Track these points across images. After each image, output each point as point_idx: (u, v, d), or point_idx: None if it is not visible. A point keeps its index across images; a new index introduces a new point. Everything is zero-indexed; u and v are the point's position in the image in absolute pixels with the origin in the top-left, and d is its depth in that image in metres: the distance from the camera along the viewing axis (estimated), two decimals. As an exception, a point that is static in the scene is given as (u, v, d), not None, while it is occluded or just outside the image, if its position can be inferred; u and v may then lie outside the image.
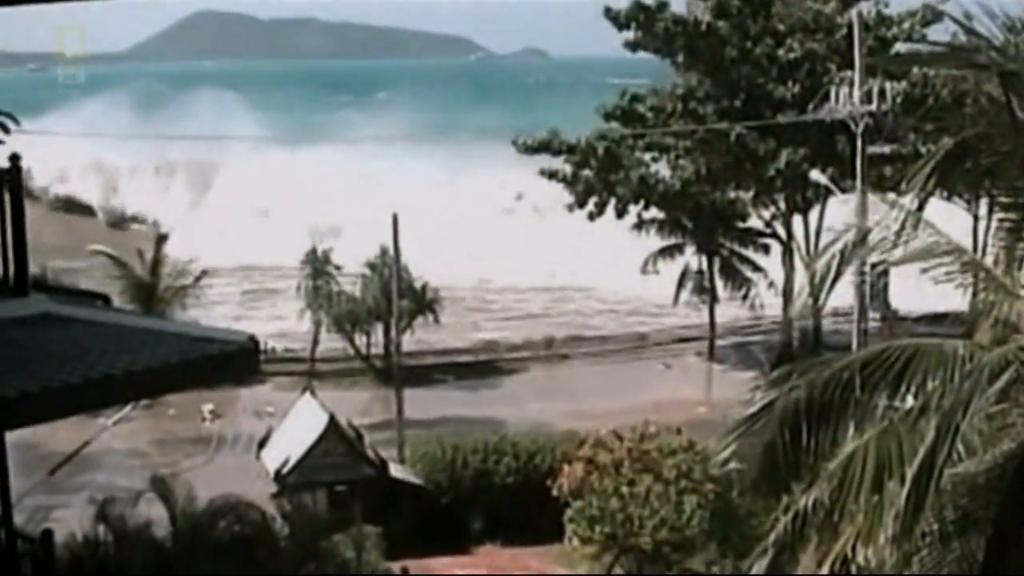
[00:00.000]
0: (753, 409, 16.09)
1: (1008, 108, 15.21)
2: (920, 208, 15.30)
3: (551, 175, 59.74)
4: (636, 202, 60.05)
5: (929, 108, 48.83)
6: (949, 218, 16.89)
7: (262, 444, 38.64)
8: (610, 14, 57.34)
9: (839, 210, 38.15)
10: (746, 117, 56.51)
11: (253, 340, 14.35)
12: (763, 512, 17.39)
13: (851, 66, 47.11)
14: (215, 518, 22.98)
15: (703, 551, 32.71)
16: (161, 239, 60.14)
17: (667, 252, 61.67)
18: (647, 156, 60.39)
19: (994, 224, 16.60)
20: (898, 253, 16.13)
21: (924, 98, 51.04)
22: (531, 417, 48.23)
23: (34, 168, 61.35)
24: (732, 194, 60.75)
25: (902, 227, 14.98)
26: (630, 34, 57.56)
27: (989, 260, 16.86)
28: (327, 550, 25.40)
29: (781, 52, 57.04)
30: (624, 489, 33.13)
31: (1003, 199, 16.04)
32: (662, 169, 59.86)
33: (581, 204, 59.95)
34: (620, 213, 59.98)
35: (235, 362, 14.30)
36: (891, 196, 16.66)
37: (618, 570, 33.27)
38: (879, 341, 20.11)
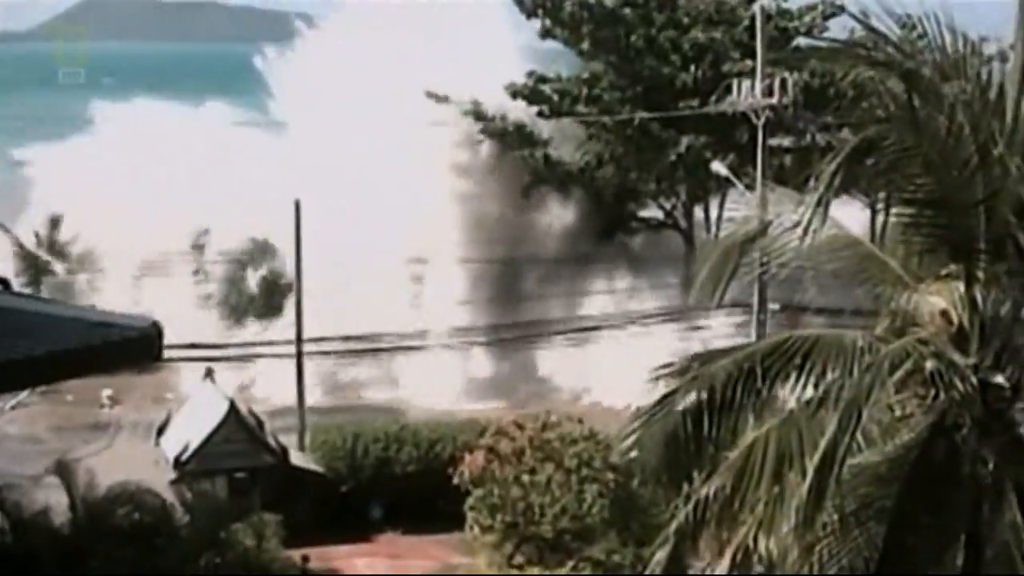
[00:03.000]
0: (655, 398, 16.18)
1: (909, 105, 15.40)
2: (820, 202, 15.42)
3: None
4: (537, 184, 60.11)
5: (830, 100, 49.35)
6: (843, 212, 16.98)
7: (161, 431, 38.39)
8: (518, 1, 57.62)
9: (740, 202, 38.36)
10: (648, 105, 56.83)
11: (155, 326, 14.22)
12: (664, 502, 17.48)
13: (753, 57, 47.50)
14: (114, 505, 22.80)
15: (603, 540, 32.86)
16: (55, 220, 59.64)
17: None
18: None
19: (892, 219, 16.79)
20: (795, 245, 16.25)
21: (825, 89, 51.57)
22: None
23: None
24: (634, 179, 60.92)
25: (809, 220, 15.09)
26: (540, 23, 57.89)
27: (887, 254, 17.07)
28: (227, 538, 25.25)
29: (685, 41, 57.46)
30: (525, 478, 33.25)
31: (902, 194, 16.21)
32: (566, 154, 59.97)
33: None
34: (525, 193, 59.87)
35: (137, 348, 14.16)
36: (796, 194, 16.79)
37: (519, 558, 33.34)
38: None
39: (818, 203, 15.06)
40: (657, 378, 16.08)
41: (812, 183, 15.23)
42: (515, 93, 59.03)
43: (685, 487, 16.33)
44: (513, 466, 33.52)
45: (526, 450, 33.67)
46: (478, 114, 58.08)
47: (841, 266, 17.13)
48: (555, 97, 58.47)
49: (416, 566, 35.52)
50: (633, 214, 62.88)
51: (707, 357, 16.29)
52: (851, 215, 25.50)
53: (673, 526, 16.29)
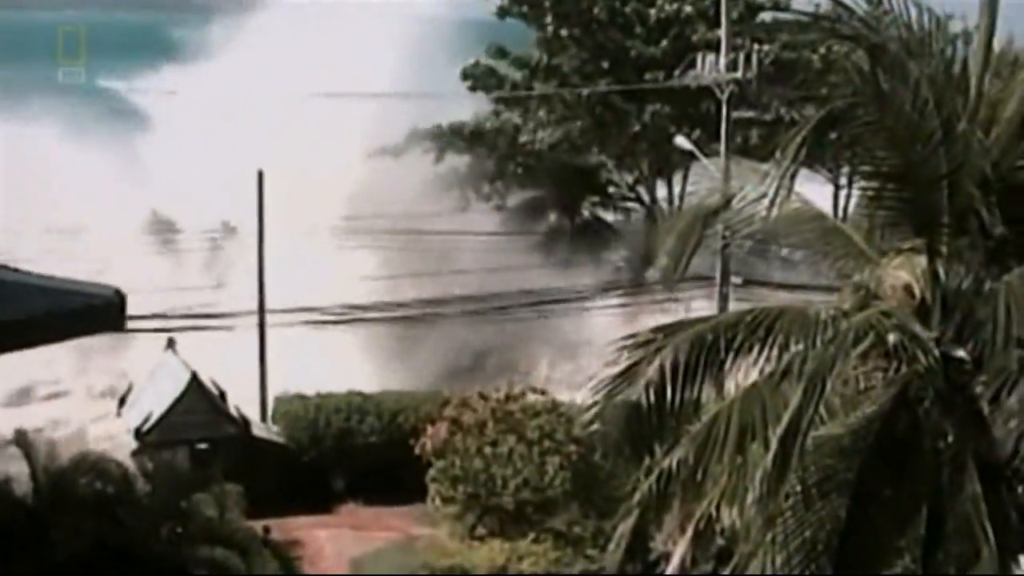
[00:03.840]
0: (618, 370, 16.22)
1: (874, 80, 15.45)
2: (785, 175, 15.46)
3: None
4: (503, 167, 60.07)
5: (796, 73, 49.46)
6: (806, 188, 17.04)
7: (122, 401, 38.29)
8: None
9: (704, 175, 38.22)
10: (613, 80, 56.77)
11: (119, 294, 14.19)
12: (626, 474, 17.55)
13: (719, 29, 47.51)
14: (77, 475, 22.72)
15: (565, 512, 32.96)
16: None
17: (528, 213, 61.57)
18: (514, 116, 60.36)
19: (856, 193, 16.88)
20: (760, 217, 16.31)
21: (792, 63, 51.65)
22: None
23: None
24: (596, 157, 60.92)
25: (775, 193, 15.14)
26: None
27: (850, 228, 17.17)
28: (188, 508, 25.16)
29: (651, 13, 57.36)
30: (487, 449, 33.29)
31: (866, 168, 16.29)
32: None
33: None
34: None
35: (100, 315, 14.13)
36: (761, 167, 16.85)
37: (480, 530, 33.41)
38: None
39: (783, 176, 15.10)
40: (621, 349, 16.12)
41: (777, 156, 15.28)
42: (467, 75, 58.94)
43: (648, 459, 16.40)
44: (475, 438, 33.56)
45: (488, 422, 33.70)
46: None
47: (805, 239, 17.22)
48: (513, 76, 58.39)
49: (378, 537, 35.53)
50: (597, 189, 62.80)
51: (670, 329, 16.33)
52: (814, 191, 25.55)
53: (636, 498, 16.38)
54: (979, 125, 15.82)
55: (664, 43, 56.78)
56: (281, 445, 38.46)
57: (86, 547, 21.61)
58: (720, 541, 19.82)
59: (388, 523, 36.41)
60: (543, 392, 34.90)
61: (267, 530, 32.31)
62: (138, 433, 34.97)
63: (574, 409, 33.04)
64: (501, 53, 59.01)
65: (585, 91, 56.42)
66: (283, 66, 58.07)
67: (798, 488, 14.46)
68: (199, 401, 36.25)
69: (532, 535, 32.93)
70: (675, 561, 16.77)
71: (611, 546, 17.42)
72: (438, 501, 34.12)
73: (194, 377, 36.31)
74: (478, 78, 59.30)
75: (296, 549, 32.90)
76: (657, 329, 16.39)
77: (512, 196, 61.56)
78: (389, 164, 58.76)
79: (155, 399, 36.32)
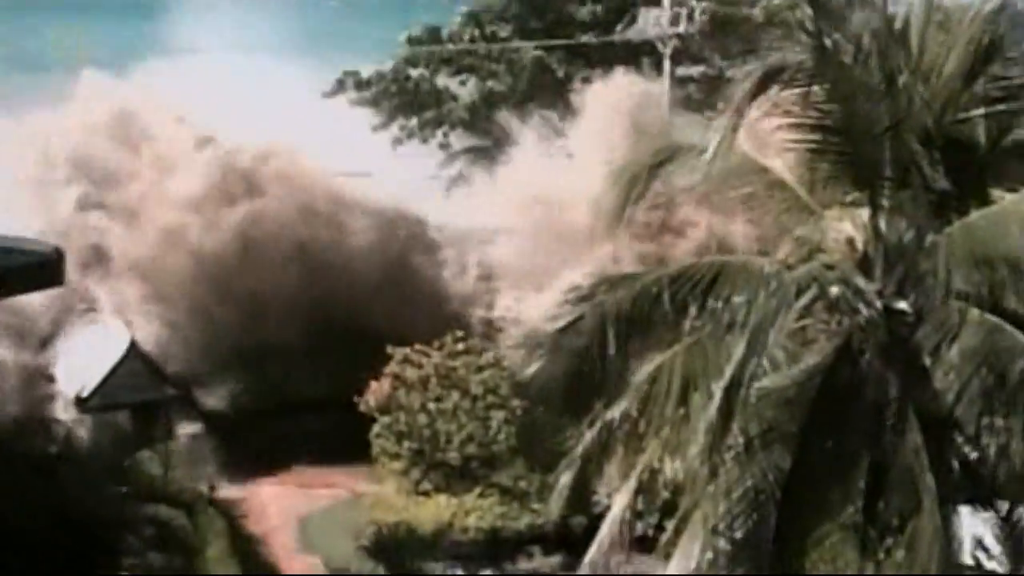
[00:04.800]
0: (561, 324, 16.25)
1: (816, 33, 15.48)
2: (728, 127, 15.48)
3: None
4: (439, 125, 59.63)
5: (738, 28, 49.43)
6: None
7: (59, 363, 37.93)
8: None
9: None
10: (551, 38, 56.48)
11: (58, 251, 14.10)
12: (570, 428, 17.60)
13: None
14: (21, 434, 22.61)
15: (510, 466, 33.03)
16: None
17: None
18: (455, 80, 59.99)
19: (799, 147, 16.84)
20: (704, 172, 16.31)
21: (733, 17, 51.55)
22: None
23: None
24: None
25: (717, 145, 15.17)
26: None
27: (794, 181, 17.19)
28: (132, 467, 25.16)
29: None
30: (431, 405, 33.28)
31: (808, 122, 16.30)
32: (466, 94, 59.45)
33: (385, 126, 59.40)
34: (425, 138, 59.48)
35: (40, 273, 14.03)
36: (704, 120, 16.88)
37: (426, 485, 33.42)
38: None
39: (726, 128, 15.14)
40: (564, 303, 16.15)
41: (720, 109, 15.31)
42: (412, 40, 58.46)
43: (591, 412, 16.45)
44: (419, 393, 33.55)
45: (432, 377, 33.70)
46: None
47: (748, 192, 17.25)
48: (450, 43, 57.95)
49: (323, 495, 35.48)
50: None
51: (613, 282, 16.36)
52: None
53: (579, 450, 16.43)
54: (921, 79, 15.87)
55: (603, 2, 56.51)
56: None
57: (28, 506, 21.53)
58: (665, 494, 19.97)
59: (332, 480, 36.32)
60: (486, 347, 34.85)
61: (212, 488, 32.30)
62: (79, 397, 34.68)
63: (517, 363, 33.08)
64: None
65: (523, 44, 56.02)
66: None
67: (741, 439, 14.54)
68: (140, 363, 35.97)
69: (477, 490, 32.98)
70: (616, 512, 16.80)
71: (551, 496, 17.51)
72: (383, 458, 34.09)
73: (133, 340, 36.03)
74: (423, 42, 58.82)
75: (241, 507, 32.88)
76: (600, 282, 16.40)
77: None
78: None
79: (95, 361, 35.97)
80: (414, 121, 58.16)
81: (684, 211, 33.54)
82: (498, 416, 32.92)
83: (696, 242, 34.65)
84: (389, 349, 34.66)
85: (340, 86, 57.32)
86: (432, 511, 32.51)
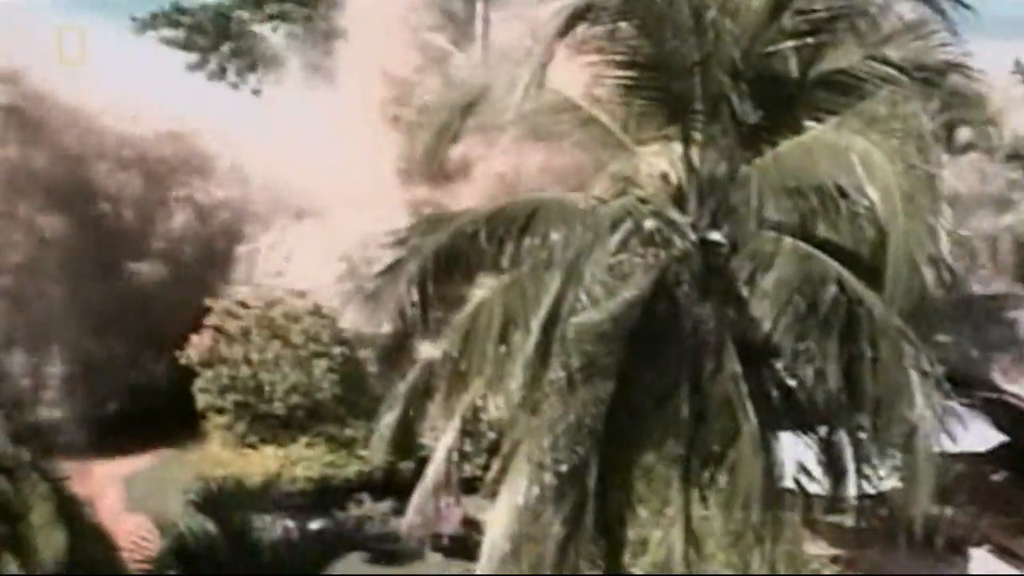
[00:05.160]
0: (380, 268, 16.19)
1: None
2: (538, 64, 15.45)
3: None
4: (253, 69, 58.95)
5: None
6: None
7: None
8: None
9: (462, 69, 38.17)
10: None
11: None
12: (394, 372, 17.55)
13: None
14: None
15: (335, 415, 32.95)
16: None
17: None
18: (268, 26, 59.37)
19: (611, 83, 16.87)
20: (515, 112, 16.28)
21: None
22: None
23: None
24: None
25: (528, 83, 15.14)
26: None
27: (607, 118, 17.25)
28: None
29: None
30: (254, 356, 33.05)
31: (619, 58, 16.33)
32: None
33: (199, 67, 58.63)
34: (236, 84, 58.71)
35: None
36: (515, 58, 16.84)
37: (252, 437, 33.21)
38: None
39: (536, 66, 15.15)
40: (382, 247, 16.08)
41: (530, 45, 15.28)
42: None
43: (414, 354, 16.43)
44: (241, 345, 33.28)
45: (252, 328, 33.43)
46: None
47: (563, 130, 17.28)
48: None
49: (147, 454, 35.07)
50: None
51: (429, 225, 16.34)
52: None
53: (400, 390, 16.43)
54: (729, 14, 15.97)
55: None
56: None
57: None
58: (491, 435, 20.05)
59: (156, 440, 35.83)
60: (303, 295, 34.63)
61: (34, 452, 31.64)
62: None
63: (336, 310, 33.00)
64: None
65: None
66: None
67: (562, 374, 14.55)
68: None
69: (304, 440, 32.88)
70: (440, 454, 16.83)
71: (374, 438, 17.49)
72: (208, 412, 33.79)
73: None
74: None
75: (64, 470, 32.28)
76: (416, 224, 16.35)
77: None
78: None
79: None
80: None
81: (485, 151, 33.37)
82: (320, 364, 32.80)
83: (495, 181, 34.64)
84: (208, 302, 34.32)
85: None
86: (260, 463, 32.33)
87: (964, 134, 38.90)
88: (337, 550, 24.15)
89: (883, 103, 15.49)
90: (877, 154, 15.00)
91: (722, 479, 15.23)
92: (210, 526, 24.07)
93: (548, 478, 14.69)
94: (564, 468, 14.67)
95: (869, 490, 16.37)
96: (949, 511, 27.47)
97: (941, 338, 21.96)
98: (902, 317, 14.80)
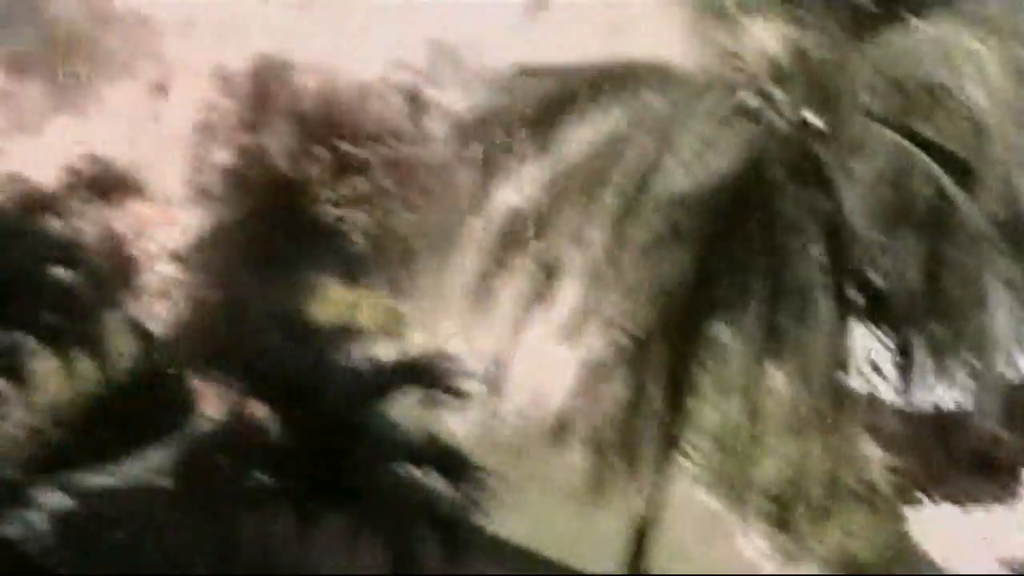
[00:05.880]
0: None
1: None
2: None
3: None
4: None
5: None
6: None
7: None
8: None
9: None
10: None
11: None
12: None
13: None
14: None
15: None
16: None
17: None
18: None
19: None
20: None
21: None
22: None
23: None
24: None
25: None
26: None
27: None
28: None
29: None
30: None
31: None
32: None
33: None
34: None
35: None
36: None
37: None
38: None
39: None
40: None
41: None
42: None
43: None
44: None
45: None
46: None
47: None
48: None
49: None
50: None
51: (534, 72, 16.23)
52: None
53: (481, 235, 16.30)
54: None
55: None
56: None
57: None
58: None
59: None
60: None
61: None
62: None
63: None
64: None
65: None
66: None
67: (647, 236, 14.43)
68: None
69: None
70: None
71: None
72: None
73: None
74: None
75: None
76: (518, 70, 16.23)
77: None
78: None
79: None
80: None
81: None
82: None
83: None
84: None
85: None
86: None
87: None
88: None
89: (995, 3, 15.17)
90: (989, 56, 14.68)
91: (792, 362, 15.03)
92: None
93: (623, 340, 14.62)
94: (639, 332, 14.61)
95: (936, 401, 16.17)
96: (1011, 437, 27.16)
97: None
98: (995, 226, 14.58)
